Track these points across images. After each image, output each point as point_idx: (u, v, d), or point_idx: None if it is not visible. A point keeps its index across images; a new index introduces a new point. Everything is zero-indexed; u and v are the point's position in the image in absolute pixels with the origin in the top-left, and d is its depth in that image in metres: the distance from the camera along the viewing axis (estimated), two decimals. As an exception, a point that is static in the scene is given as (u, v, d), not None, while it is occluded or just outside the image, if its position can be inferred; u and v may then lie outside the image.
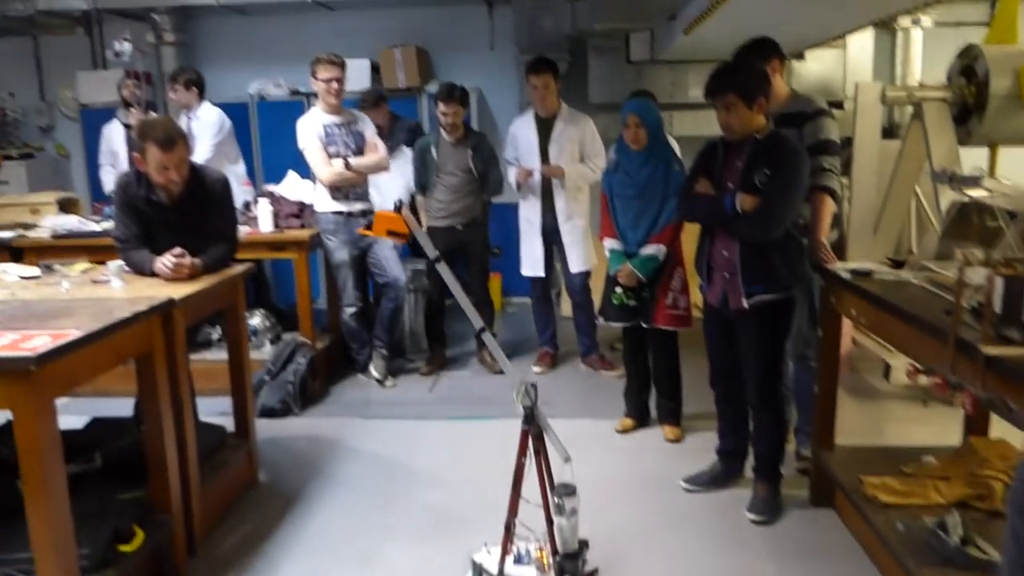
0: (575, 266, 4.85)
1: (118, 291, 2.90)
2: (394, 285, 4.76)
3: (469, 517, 3.15)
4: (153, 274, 3.09)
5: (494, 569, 2.52)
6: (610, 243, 3.87)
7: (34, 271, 3.20)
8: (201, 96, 5.41)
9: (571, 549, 2.43)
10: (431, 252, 2.62)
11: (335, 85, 4.51)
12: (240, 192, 5.21)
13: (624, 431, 4.05)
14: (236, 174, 5.41)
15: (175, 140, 3.03)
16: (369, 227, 2.58)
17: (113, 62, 4.92)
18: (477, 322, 2.60)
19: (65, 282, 2.98)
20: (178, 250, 3.06)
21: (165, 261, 3.05)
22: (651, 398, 4.09)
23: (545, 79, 4.72)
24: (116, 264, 3.16)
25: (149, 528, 2.59)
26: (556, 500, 2.41)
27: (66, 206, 5.14)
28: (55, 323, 2.34)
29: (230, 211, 3.39)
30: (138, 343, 2.56)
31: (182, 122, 5.28)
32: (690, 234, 3.75)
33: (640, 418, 4.09)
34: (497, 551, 2.52)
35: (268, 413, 4.25)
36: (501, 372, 4.99)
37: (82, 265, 3.26)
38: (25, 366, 2.00)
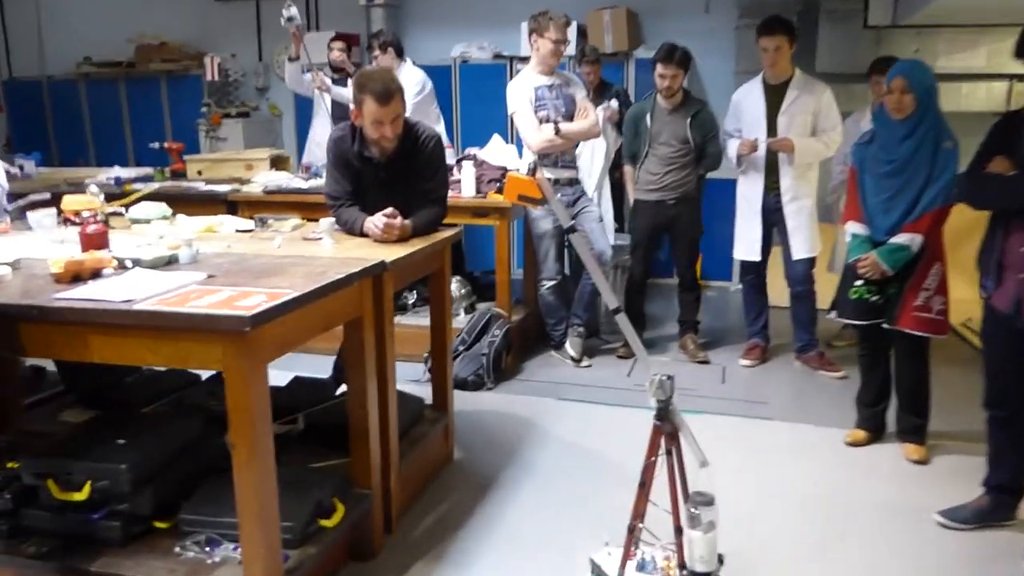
0: (799, 252, 4.32)
1: (328, 250, 2.78)
2: (599, 259, 4.45)
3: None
4: (362, 234, 2.96)
5: (613, 572, 2.23)
6: (854, 227, 3.35)
7: (249, 224, 3.16)
8: (400, 57, 5.35)
9: (707, 568, 2.07)
10: (565, 220, 2.36)
11: (562, 47, 4.27)
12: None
13: (855, 444, 3.54)
14: (437, 136, 5.35)
15: (392, 93, 2.86)
16: (500, 191, 2.31)
17: (287, 26, 4.91)
18: (611, 300, 2.26)
19: (278, 238, 2.91)
20: (390, 210, 2.91)
21: (376, 221, 2.90)
22: (889, 409, 3.55)
23: (778, 40, 4.22)
24: (327, 222, 3.07)
25: (349, 502, 2.45)
26: (691, 510, 2.05)
27: (277, 163, 5.24)
28: (268, 281, 2.22)
29: (443, 173, 3.21)
30: (349, 306, 2.40)
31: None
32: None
33: (875, 430, 3.56)
34: (619, 553, 2.24)
35: (460, 385, 4.09)
36: (705, 361, 4.60)
37: (294, 220, 3.19)
38: (239, 327, 1.87)
